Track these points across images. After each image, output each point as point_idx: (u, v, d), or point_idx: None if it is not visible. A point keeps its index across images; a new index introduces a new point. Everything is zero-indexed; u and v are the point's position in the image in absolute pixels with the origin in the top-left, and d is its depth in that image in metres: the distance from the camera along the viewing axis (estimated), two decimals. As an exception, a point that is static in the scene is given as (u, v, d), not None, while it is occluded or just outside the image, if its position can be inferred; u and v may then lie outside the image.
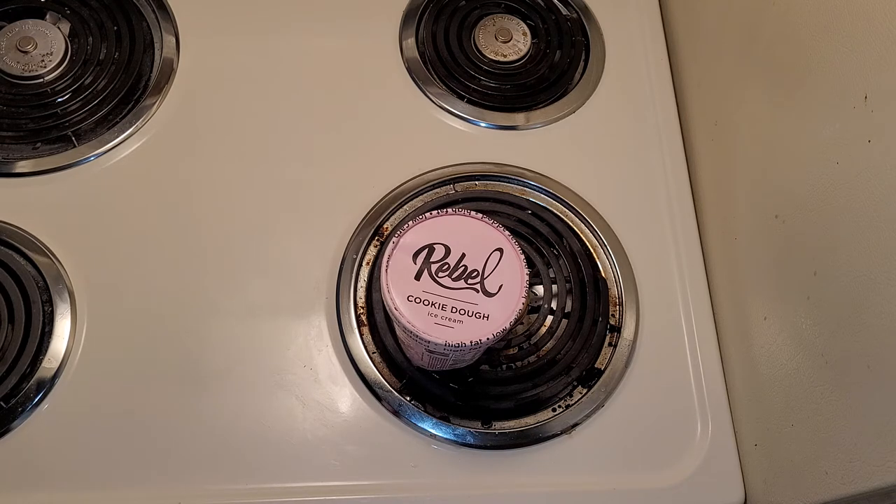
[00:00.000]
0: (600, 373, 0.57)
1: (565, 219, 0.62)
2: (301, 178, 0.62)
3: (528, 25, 0.70)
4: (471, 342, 0.42)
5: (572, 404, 0.56)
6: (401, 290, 0.43)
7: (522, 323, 0.58)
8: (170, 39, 0.66)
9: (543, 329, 0.58)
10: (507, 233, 0.45)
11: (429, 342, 0.43)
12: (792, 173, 0.50)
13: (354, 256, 0.59)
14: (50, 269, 0.56)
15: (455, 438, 0.54)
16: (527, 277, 0.44)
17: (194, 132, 0.63)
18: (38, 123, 0.61)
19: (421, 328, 0.43)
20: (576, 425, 0.56)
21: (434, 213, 0.45)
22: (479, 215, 0.46)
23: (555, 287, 0.59)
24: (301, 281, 0.58)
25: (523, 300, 0.44)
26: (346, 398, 0.55)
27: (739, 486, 0.55)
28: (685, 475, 0.55)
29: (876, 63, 0.41)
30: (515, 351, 0.57)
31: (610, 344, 0.59)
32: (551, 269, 0.60)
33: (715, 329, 0.60)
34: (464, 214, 0.46)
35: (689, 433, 0.56)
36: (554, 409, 0.56)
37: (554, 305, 0.59)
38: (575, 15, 0.72)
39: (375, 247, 0.60)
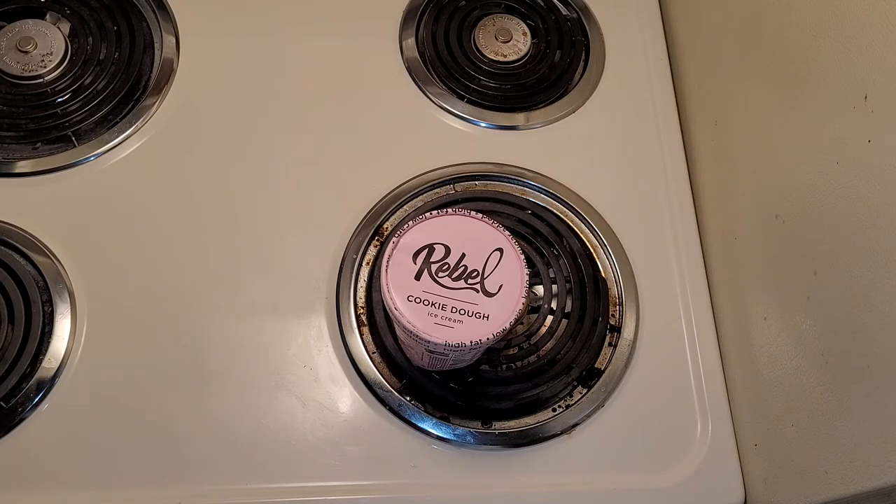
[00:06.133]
0: (600, 373, 0.57)
1: (565, 219, 0.62)
2: (301, 178, 0.62)
3: (528, 25, 0.70)
4: (471, 342, 0.42)
5: (572, 404, 0.56)
6: (401, 290, 0.43)
7: (522, 323, 0.58)
8: (170, 39, 0.66)
9: (543, 329, 0.58)
10: (507, 233, 0.45)
11: (429, 342, 0.43)
12: (792, 173, 0.50)
13: (354, 256, 0.59)
14: (50, 269, 0.56)
15: (455, 438, 0.54)
16: (527, 277, 0.44)
17: (194, 132, 0.63)
18: (38, 123, 0.61)
19: (421, 328, 0.43)
20: (576, 425, 0.56)
21: (434, 213, 0.45)
22: (479, 215, 0.46)
23: (555, 287, 0.59)
24: (301, 281, 0.58)
25: (523, 300, 0.44)
26: (346, 398, 0.55)
27: (739, 486, 0.55)
28: (685, 475, 0.55)
29: (876, 63, 0.41)
30: (515, 351, 0.57)
31: (610, 344, 0.59)
32: (551, 269, 0.60)
33: (715, 329, 0.60)
34: (464, 214, 0.46)
35: (689, 433, 0.56)
36: (554, 409, 0.56)
37: (554, 305, 0.59)
38: (575, 15, 0.72)
39: (375, 247, 0.60)
